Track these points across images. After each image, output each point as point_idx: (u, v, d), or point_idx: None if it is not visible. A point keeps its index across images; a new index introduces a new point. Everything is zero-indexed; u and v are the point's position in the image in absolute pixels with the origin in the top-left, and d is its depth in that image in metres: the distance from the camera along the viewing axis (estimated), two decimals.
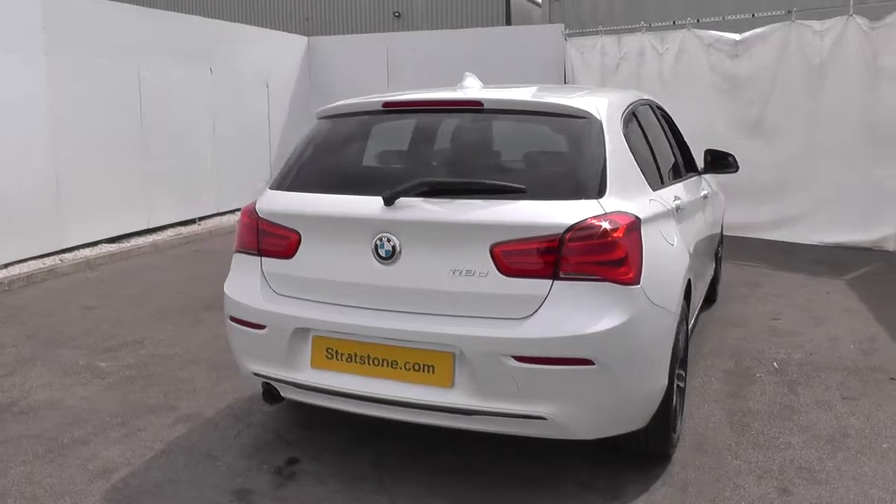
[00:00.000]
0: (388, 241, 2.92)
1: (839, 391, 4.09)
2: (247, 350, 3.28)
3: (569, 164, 3.08)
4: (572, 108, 3.17)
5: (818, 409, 3.87)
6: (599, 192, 2.91)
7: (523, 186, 2.90)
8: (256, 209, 3.30)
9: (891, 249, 7.53)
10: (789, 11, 8.05)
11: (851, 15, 7.55)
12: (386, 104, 3.40)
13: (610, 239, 2.77)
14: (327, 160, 3.41)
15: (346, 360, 3.01)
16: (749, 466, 3.29)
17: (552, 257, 2.76)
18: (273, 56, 11.18)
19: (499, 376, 2.77)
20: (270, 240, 3.22)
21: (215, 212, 9.95)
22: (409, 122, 3.56)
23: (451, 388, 2.84)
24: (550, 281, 2.77)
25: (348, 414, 3.11)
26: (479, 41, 10.97)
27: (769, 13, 8.41)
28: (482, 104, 3.24)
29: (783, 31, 8.06)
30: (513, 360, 2.74)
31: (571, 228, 2.76)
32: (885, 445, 3.47)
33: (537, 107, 3.30)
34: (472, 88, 3.52)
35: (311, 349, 3.07)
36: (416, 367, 2.89)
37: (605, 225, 2.78)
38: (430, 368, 2.87)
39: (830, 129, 7.79)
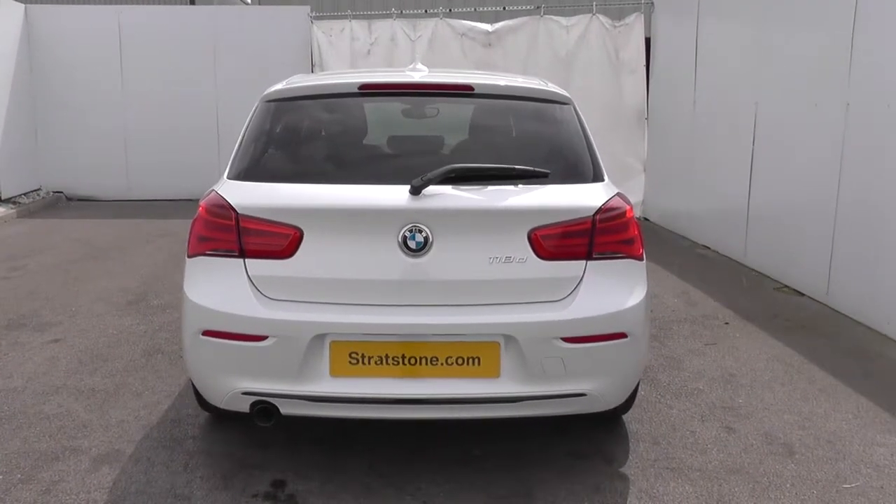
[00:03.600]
0: (420, 231, 2.77)
1: (699, 339, 4.79)
2: (233, 366, 2.85)
3: (566, 148, 3.16)
4: (557, 93, 3.27)
5: (694, 356, 4.50)
6: (598, 176, 3.08)
7: (548, 171, 2.95)
8: (232, 204, 2.85)
9: (637, 216, 8.81)
10: (538, 7, 8.91)
11: (595, 14, 8.63)
12: (363, 86, 3.17)
13: (626, 218, 2.97)
14: (312, 147, 3.08)
15: (376, 364, 2.78)
16: (686, 413, 3.74)
17: (586, 239, 2.87)
18: None
19: (548, 359, 2.81)
20: (260, 239, 2.83)
21: None
22: (390, 106, 3.35)
23: (498, 377, 2.81)
24: (584, 262, 2.88)
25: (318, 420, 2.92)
26: (219, 18, 10.30)
27: (519, 7, 9.21)
28: (473, 88, 3.19)
29: (533, 24, 8.91)
30: (561, 341, 2.81)
31: (600, 210, 2.90)
32: (766, 378, 4.19)
33: (525, 92, 3.32)
34: (424, 72, 3.44)
35: (329, 356, 2.78)
36: (460, 361, 2.79)
37: (623, 205, 2.97)
38: (476, 360, 2.80)
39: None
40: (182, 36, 10.13)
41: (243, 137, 3.18)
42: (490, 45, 9.09)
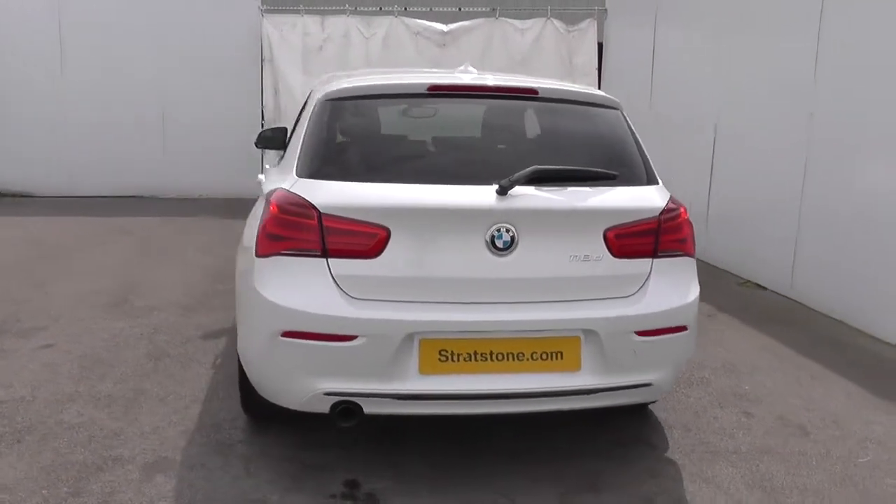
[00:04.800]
0: (507, 231, 2.85)
1: None
2: (316, 367, 2.84)
3: (622, 151, 3.29)
4: (609, 98, 3.42)
5: None
6: (652, 178, 3.24)
7: (616, 173, 3.09)
8: (315, 204, 2.84)
9: None
10: (494, 9, 9.08)
11: (550, 18, 8.87)
12: (433, 87, 3.20)
13: (684, 218, 3.16)
14: (386, 146, 3.11)
15: (465, 361, 2.85)
16: (704, 401, 3.98)
17: (652, 238, 3.04)
18: None
19: (623, 352, 2.95)
20: (345, 238, 2.83)
21: None
22: (457, 107, 3.39)
23: (578, 371, 2.93)
24: (651, 259, 3.04)
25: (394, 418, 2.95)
26: (167, 6, 9.84)
27: (475, 8, 9.35)
28: (537, 92, 3.29)
29: (488, 26, 9.08)
30: (635, 335, 2.96)
31: (664, 211, 3.07)
32: (763, 366, 4.49)
33: (582, 97, 3.42)
34: (474, 73, 3.51)
35: (418, 355, 2.82)
36: (544, 356, 2.89)
37: (680, 206, 3.15)
38: (559, 355, 2.91)
39: None
40: (126, 24, 9.66)
41: (306, 135, 3.15)
42: (445, 45, 9.19)
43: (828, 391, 4.18)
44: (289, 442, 3.37)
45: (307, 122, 3.23)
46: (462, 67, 3.61)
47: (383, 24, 9.27)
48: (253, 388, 3.27)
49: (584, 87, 3.51)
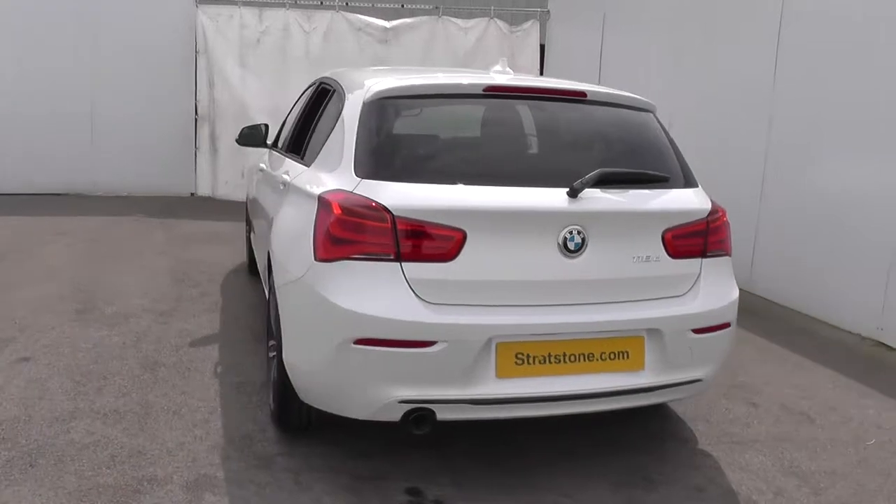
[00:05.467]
0: (578, 233, 2.87)
1: None
2: (391, 375, 2.77)
3: (663, 154, 3.36)
4: (647, 102, 3.49)
5: None
6: (691, 180, 3.34)
7: (668, 175, 3.17)
8: (388, 206, 2.77)
9: None
10: (437, 7, 9.07)
11: (493, 18, 8.95)
12: (489, 88, 3.19)
13: (725, 220, 3.28)
14: (450, 147, 3.09)
15: (540, 363, 2.86)
16: (710, 393, 4.03)
17: (702, 239, 3.15)
18: None
19: (682, 350, 3.05)
20: (422, 241, 2.78)
21: None
22: (508, 108, 3.36)
23: (643, 370, 2.99)
24: (700, 259, 3.15)
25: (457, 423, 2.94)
26: None
27: (418, 5, 9.30)
28: (586, 95, 3.32)
29: (431, 24, 9.07)
30: (691, 332, 3.05)
31: (711, 213, 3.18)
32: (749, 358, 4.72)
33: (625, 100, 3.46)
34: (510, 74, 3.53)
35: (495, 358, 2.80)
36: (612, 356, 2.94)
37: (721, 209, 3.28)
38: (625, 354, 2.96)
39: None
40: (52, 11, 8.98)
41: (359, 134, 3.07)
42: (387, 41, 9.11)
43: (814, 379, 4.45)
44: (331, 452, 3.27)
45: (353, 120, 3.14)
46: (498, 67, 3.61)
47: (324, 19, 9.08)
48: (291, 399, 3.18)
49: (620, 91, 3.58)
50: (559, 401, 2.91)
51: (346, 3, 9.18)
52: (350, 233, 2.80)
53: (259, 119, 8.84)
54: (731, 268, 3.34)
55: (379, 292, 2.76)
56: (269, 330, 3.63)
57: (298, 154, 3.90)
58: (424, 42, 9.12)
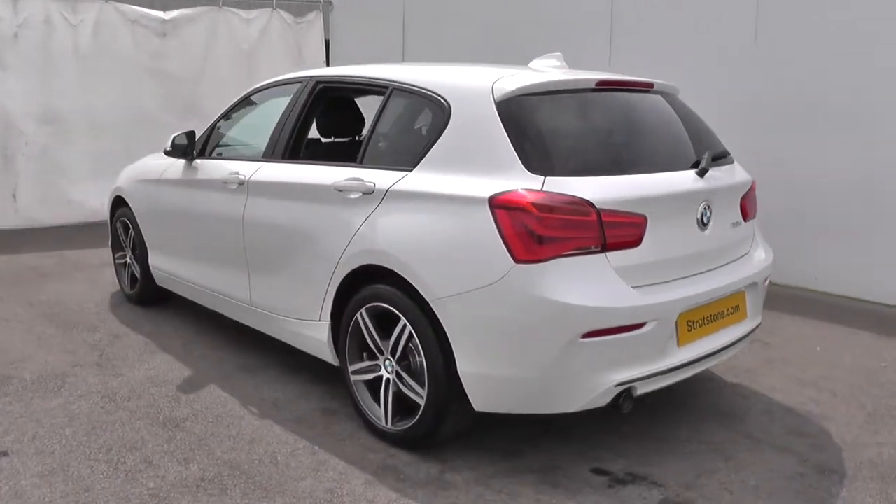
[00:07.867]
0: (708, 207, 3.37)
1: None
2: (615, 361, 2.99)
3: (708, 131, 3.83)
4: (674, 86, 3.93)
5: None
6: (728, 154, 3.87)
7: (729, 151, 3.81)
8: (591, 200, 2.95)
9: None
10: None
11: (276, 9, 8.89)
12: (600, 83, 3.49)
13: (755, 187, 3.92)
14: (600, 139, 3.42)
15: (699, 327, 3.29)
16: (748, 361, 4.57)
17: (753, 204, 3.81)
18: None
19: (759, 299, 3.70)
20: (620, 231, 3.04)
21: None
22: (616, 100, 3.63)
23: (746, 319, 3.60)
24: (753, 221, 3.83)
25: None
26: None
27: None
28: (653, 85, 3.74)
29: (212, 15, 8.73)
30: (764, 283, 3.74)
31: (750, 182, 3.83)
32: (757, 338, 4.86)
33: (670, 88, 3.88)
34: (564, 66, 3.90)
35: (676, 329, 3.16)
36: (731, 311, 3.48)
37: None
38: (737, 308, 3.53)
39: None
40: None
41: (509, 133, 3.11)
42: (165, 34, 8.54)
43: (837, 344, 4.89)
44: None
45: (484, 120, 3.17)
46: (551, 61, 3.86)
47: (92, 10, 8.20)
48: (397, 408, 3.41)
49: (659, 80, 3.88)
50: (711, 357, 3.36)
51: None
52: (558, 230, 2.92)
53: (27, 127, 7.83)
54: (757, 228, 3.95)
55: (596, 284, 2.94)
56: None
57: (338, 160, 3.84)
58: (206, 34, 8.72)
